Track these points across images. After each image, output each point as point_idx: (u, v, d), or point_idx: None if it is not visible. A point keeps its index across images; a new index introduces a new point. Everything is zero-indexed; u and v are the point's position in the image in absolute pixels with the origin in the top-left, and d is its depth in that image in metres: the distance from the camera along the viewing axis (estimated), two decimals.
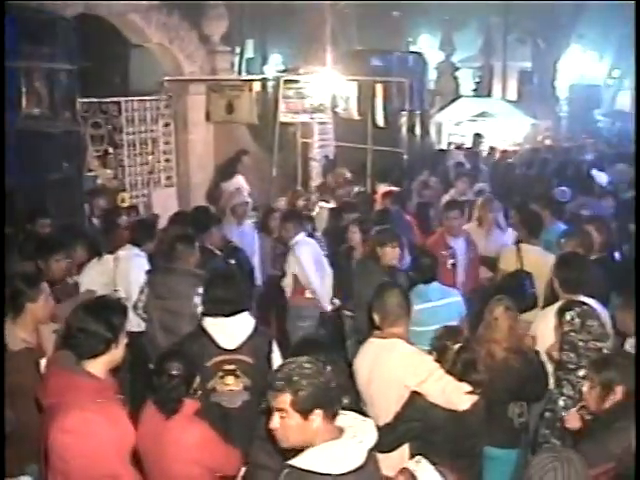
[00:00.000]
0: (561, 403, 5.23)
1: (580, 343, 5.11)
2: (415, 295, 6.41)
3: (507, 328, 5.60)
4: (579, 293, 5.95)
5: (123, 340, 4.29)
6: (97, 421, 3.95)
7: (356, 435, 3.35)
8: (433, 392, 4.83)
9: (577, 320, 5.16)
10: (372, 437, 3.40)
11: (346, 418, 3.45)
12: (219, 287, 5.47)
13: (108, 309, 4.32)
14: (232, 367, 5.22)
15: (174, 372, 4.49)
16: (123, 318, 4.34)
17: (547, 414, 5.37)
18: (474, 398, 4.85)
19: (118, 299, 5.95)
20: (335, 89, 13.62)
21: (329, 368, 3.43)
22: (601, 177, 13.19)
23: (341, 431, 3.36)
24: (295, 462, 3.29)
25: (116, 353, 4.26)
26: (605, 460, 4.15)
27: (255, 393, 5.19)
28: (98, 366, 4.20)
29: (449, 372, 4.91)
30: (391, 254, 7.08)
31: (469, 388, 4.85)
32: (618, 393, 4.43)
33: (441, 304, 6.58)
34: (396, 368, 4.95)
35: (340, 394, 3.37)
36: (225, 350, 5.23)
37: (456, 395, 4.84)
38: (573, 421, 4.77)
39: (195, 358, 4.83)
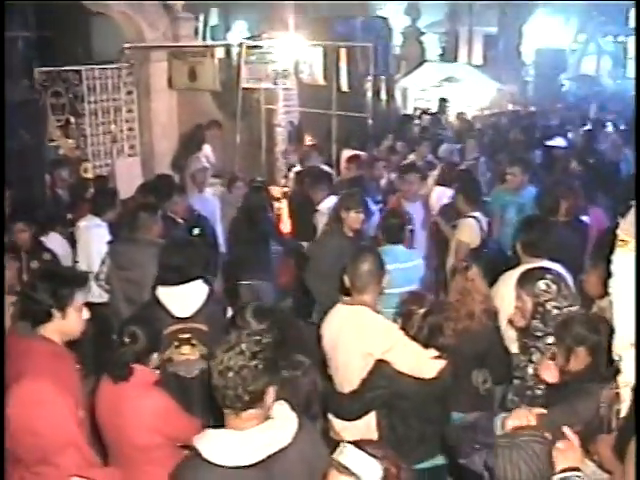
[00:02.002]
0: (530, 371, 5.19)
1: (555, 311, 5.06)
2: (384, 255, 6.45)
3: (483, 288, 5.66)
4: (542, 257, 5.94)
5: (73, 312, 4.24)
6: (51, 389, 3.90)
7: (266, 432, 3.19)
8: (398, 360, 4.80)
9: (553, 287, 5.11)
10: (282, 440, 3.21)
11: (279, 409, 3.30)
12: (170, 255, 5.41)
13: (57, 279, 4.28)
14: (187, 336, 5.16)
15: (126, 339, 4.44)
16: (73, 289, 4.26)
17: (515, 381, 5.34)
18: (441, 366, 4.85)
19: (78, 271, 5.84)
20: (299, 54, 13.50)
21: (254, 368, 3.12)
22: (559, 142, 13.20)
23: (262, 421, 3.22)
24: (195, 439, 3.22)
25: (64, 324, 4.22)
26: (574, 424, 4.16)
27: None
28: (52, 333, 4.19)
29: (415, 337, 4.89)
30: (355, 219, 7.02)
31: (435, 356, 4.85)
32: (581, 354, 4.44)
33: (407, 266, 6.55)
34: (359, 336, 4.90)
35: (239, 388, 3.10)
36: (179, 319, 5.16)
37: (422, 363, 4.82)
38: (548, 373, 4.75)
39: (149, 325, 4.68)
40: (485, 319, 5.54)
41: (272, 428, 3.21)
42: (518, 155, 10.63)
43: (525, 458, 2.99)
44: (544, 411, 3.37)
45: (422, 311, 4.96)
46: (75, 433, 3.95)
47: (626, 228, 3.98)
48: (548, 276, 5.15)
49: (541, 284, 5.09)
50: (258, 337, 3.21)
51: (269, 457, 3.15)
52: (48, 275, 4.39)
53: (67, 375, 4.12)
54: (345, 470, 2.81)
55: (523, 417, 3.35)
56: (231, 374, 3.10)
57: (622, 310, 3.97)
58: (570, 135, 15.03)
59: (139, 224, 6.76)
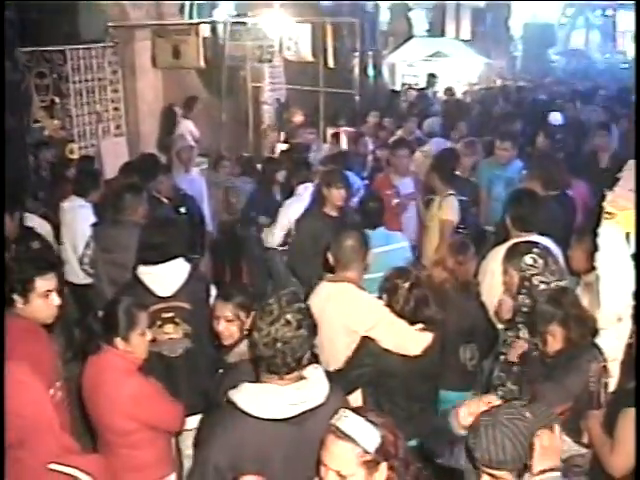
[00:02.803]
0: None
1: (542, 285, 5.02)
2: None
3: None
4: (531, 231, 5.90)
5: (37, 299, 4.29)
6: (22, 368, 3.84)
7: (301, 389, 3.23)
8: (383, 338, 4.78)
9: (540, 261, 5.07)
10: (316, 399, 3.26)
11: (312, 371, 3.34)
12: (150, 234, 5.35)
13: (14, 265, 4.33)
14: (170, 314, 5.11)
15: (99, 314, 4.44)
16: (31, 276, 4.29)
17: (502, 357, 5.32)
18: (426, 342, 4.81)
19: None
20: (285, 31, 13.39)
21: (299, 333, 3.20)
22: (555, 117, 13.15)
23: (298, 380, 3.26)
24: (231, 393, 3.24)
25: (27, 310, 4.29)
26: (564, 400, 4.14)
27: (196, 339, 5.14)
28: (24, 314, 4.28)
29: (401, 312, 4.85)
30: (336, 195, 6.87)
31: (421, 333, 4.81)
32: (555, 331, 4.40)
33: (387, 250, 6.43)
34: (344, 313, 4.88)
35: (287, 356, 3.16)
36: (161, 298, 5.10)
37: (408, 340, 4.80)
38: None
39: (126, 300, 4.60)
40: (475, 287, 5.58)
41: (306, 387, 3.26)
42: (508, 130, 10.57)
43: (509, 436, 2.88)
44: (498, 401, 3.27)
45: (407, 285, 4.92)
46: (49, 413, 3.90)
47: (612, 200, 3.94)
48: (535, 250, 5.12)
49: (527, 258, 5.06)
50: (299, 305, 3.28)
51: (302, 414, 3.19)
52: (10, 261, 4.47)
53: (40, 353, 4.14)
54: (343, 435, 2.79)
55: (475, 406, 3.28)
56: (279, 345, 3.16)
57: (609, 284, 3.94)
58: (560, 109, 14.97)
59: (124, 206, 6.63)
